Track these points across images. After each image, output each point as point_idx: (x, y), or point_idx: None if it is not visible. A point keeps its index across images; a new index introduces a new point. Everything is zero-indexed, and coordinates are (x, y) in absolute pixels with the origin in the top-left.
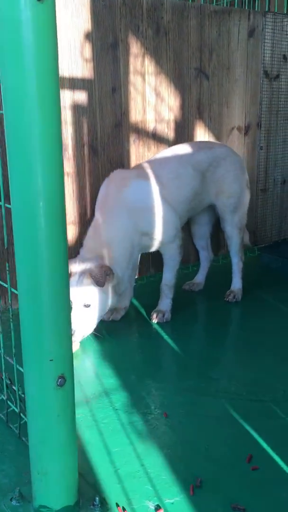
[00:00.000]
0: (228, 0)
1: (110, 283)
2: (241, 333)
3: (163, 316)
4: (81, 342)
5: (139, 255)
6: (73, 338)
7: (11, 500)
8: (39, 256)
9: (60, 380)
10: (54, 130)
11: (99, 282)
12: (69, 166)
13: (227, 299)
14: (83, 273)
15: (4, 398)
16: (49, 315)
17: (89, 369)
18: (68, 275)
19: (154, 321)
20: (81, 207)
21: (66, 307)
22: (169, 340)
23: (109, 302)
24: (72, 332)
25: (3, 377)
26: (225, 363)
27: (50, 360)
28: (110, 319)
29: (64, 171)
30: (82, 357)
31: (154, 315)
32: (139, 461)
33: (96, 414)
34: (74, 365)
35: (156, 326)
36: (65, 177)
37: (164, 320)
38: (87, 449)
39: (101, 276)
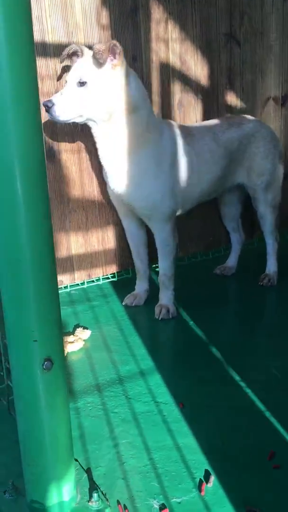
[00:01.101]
0: None
1: (118, 66)
2: (276, 319)
3: (168, 311)
4: (97, 326)
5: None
6: (51, 112)
7: (4, 493)
8: (18, 224)
9: (46, 363)
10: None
11: (100, 55)
12: (89, 143)
13: (261, 283)
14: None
15: (7, 384)
16: (31, 289)
17: (103, 355)
18: (53, 246)
19: (158, 317)
20: (102, 184)
21: (50, 280)
22: (195, 326)
23: (114, 85)
24: (49, 104)
25: (3, 361)
26: (256, 351)
27: (34, 341)
28: (133, 304)
29: (84, 148)
30: (97, 342)
31: (157, 311)
32: (148, 455)
33: (107, 402)
34: (88, 350)
35: (182, 311)
36: (86, 154)
37: (170, 316)
38: (92, 440)
39: (104, 51)
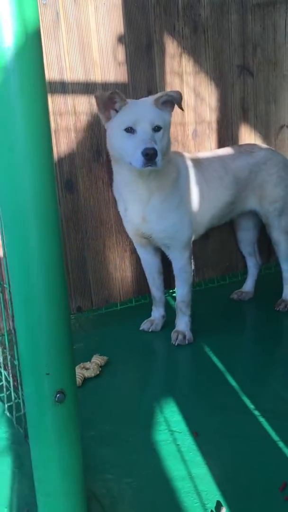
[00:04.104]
0: None
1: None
2: None
3: (184, 337)
4: (114, 352)
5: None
6: (156, 160)
7: None
8: (31, 259)
9: (58, 395)
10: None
11: (179, 99)
12: (103, 172)
13: (278, 309)
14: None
15: (23, 412)
16: (43, 324)
17: (119, 382)
18: (65, 275)
19: (175, 343)
20: (118, 213)
21: (63, 314)
22: (211, 352)
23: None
24: (155, 159)
25: (20, 389)
26: (270, 379)
27: (47, 374)
28: (150, 330)
29: (100, 177)
30: (113, 368)
31: (174, 337)
32: (161, 485)
33: (122, 430)
34: (105, 377)
35: (198, 338)
36: (101, 184)
37: (186, 342)
38: (106, 469)
39: (180, 96)
